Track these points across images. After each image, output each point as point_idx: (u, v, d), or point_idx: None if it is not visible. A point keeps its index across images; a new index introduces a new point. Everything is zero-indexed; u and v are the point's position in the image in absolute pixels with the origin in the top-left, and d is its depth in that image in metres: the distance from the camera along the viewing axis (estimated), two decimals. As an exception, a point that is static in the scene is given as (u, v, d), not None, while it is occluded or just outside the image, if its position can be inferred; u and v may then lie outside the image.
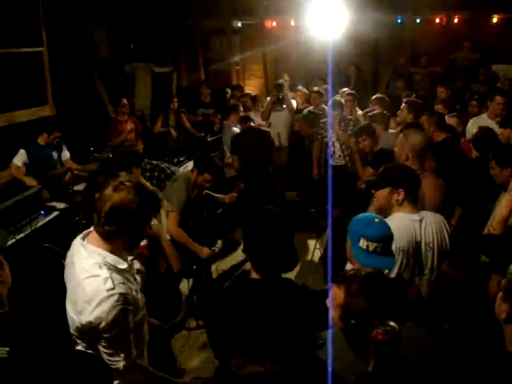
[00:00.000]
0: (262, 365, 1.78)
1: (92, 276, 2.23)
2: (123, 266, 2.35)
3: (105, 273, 2.24)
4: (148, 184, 2.38)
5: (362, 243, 2.57)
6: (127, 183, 2.26)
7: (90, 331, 2.24)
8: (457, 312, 2.38)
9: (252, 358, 1.81)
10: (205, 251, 4.65)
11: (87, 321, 2.20)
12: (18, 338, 1.89)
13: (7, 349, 1.83)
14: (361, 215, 2.75)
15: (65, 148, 6.23)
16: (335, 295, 2.11)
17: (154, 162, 5.59)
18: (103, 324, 2.20)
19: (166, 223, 4.70)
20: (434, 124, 5.05)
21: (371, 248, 2.57)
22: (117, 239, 2.31)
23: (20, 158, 5.79)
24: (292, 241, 2.36)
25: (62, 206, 5.27)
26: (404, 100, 5.76)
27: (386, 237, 2.63)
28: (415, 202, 3.12)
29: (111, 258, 2.31)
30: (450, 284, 2.44)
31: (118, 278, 2.28)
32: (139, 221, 2.30)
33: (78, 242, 2.38)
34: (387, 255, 2.63)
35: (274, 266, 2.30)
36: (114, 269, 2.29)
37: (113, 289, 2.22)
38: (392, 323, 1.84)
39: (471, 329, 2.26)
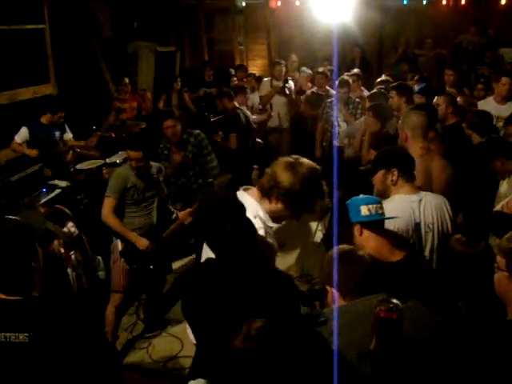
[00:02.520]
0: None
1: None
2: (270, 224, 2.57)
3: (258, 223, 2.45)
4: (319, 176, 2.55)
5: (364, 211, 2.62)
6: (301, 169, 2.47)
7: None
8: (470, 288, 2.36)
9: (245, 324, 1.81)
10: (141, 242, 4.15)
11: None
12: (38, 323, 1.91)
13: (27, 334, 1.85)
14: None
15: (67, 129, 6.19)
16: None
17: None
18: None
19: None
20: (452, 105, 5.00)
21: (373, 210, 2.63)
22: (269, 200, 2.53)
23: (21, 135, 5.71)
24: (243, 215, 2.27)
25: (63, 184, 5.28)
26: (391, 86, 5.69)
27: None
28: (412, 181, 3.09)
29: (262, 213, 2.54)
30: (458, 260, 2.43)
31: (268, 231, 2.55)
32: (291, 199, 2.48)
33: (239, 193, 2.64)
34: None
35: (232, 247, 2.20)
36: (263, 223, 2.52)
37: (265, 238, 2.48)
38: (395, 301, 1.83)
39: (485, 306, 2.24)
